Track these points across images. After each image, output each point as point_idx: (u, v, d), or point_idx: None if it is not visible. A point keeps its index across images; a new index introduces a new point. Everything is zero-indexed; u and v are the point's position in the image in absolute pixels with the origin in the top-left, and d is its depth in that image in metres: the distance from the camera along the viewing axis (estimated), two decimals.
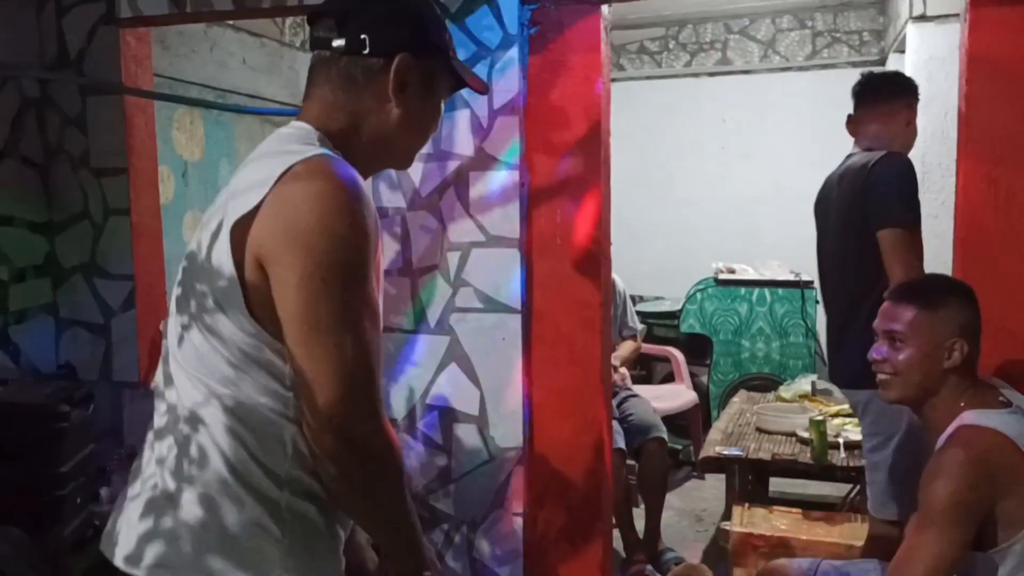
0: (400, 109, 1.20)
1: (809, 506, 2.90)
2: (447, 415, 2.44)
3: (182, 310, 1.16)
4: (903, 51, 3.98)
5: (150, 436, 1.21)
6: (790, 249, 4.93)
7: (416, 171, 2.40)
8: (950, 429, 1.57)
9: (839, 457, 2.88)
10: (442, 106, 1.30)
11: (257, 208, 1.07)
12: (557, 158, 2.37)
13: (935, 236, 2.70)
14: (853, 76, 4.94)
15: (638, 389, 3.82)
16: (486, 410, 2.40)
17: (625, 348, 3.68)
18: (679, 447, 4.27)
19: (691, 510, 3.80)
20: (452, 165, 2.38)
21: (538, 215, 2.39)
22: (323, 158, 1.10)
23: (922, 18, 3.67)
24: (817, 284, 4.35)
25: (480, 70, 2.32)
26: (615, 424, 3.15)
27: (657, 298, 5.23)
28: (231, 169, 3.83)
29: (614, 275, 3.70)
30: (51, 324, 2.80)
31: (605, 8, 2.33)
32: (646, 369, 4.76)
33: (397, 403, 2.47)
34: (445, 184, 2.39)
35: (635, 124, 5.41)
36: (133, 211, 2.74)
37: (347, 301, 1.07)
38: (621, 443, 3.12)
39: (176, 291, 1.20)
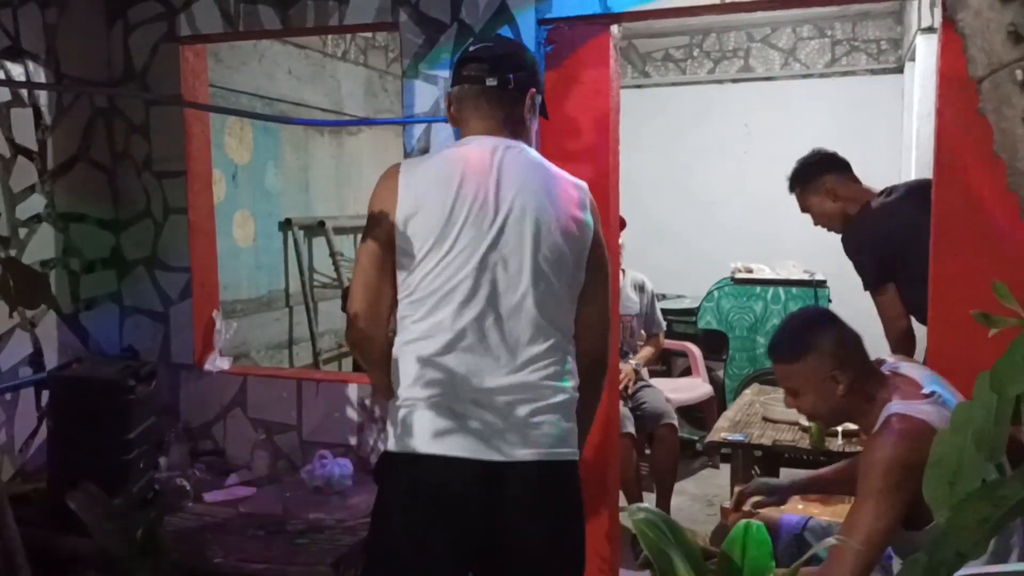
0: (528, 123, 1.84)
1: None
2: None
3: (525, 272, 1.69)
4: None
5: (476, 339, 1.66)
6: (807, 250, 5.09)
7: None
8: (880, 419, 1.76)
9: (837, 444, 3.06)
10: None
11: (590, 220, 1.77)
12: (571, 164, 2.58)
13: None
14: (871, 83, 5.17)
15: (657, 382, 4.05)
16: None
17: (645, 352, 3.92)
18: (695, 438, 4.47)
19: (703, 495, 4.00)
20: None
21: None
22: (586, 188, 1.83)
23: (930, 30, 3.82)
24: (830, 284, 4.56)
25: None
26: (626, 411, 3.37)
27: (679, 296, 5.43)
28: (277, 172, 4.13)
29: (643, 276, 3.95)
30: (116, 311, 3.10)
31: (614, 28, 2.54)
32: (665, 364, 4.96)
33: None
34: None
35: (661, 129, 5.62)
36: (190, 210, 3.01)
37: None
38: (631, 428, 3.34)
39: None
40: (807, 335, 1.86)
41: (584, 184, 1.81)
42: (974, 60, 0.71)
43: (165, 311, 3.06)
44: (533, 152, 1.80)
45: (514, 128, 1.79)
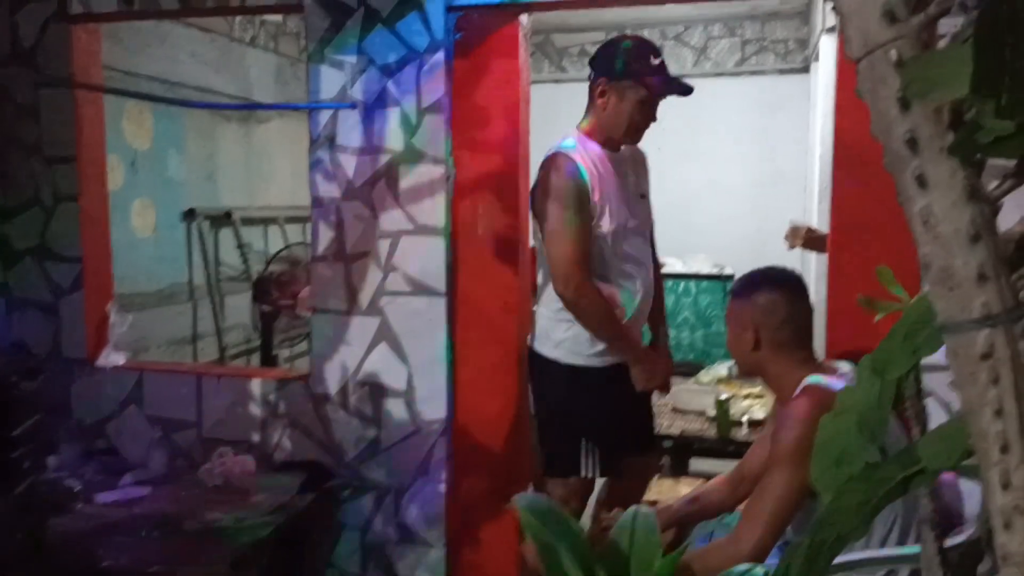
0: (606, 109, 2.44)
1: None
2: (377, 390, 2.63)
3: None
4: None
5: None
6: (720, 244, 5.22)
7: (350, 163, 2.59)
8: (798, 390, 1.80)
9: (742, 433, 3.13)
10: (636, 117, 2.46)
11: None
12: (480, 154, 2.56)
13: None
14: (780, 82, 5.30)
15: None
16: (413, 386, 2.59)
17: None
18: None
19: None
20: (383, 158, 2.56)
21: (462, 206, 2.58)
22: (555, 154, 2.43)
23: (833, 30, 3.93)
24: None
25: (409, 72, 2.51)
26: None
27: None
28: (180, 159, 3.98)
29: None
30: (2, 304, 2.92)
31: (523, 17, 2.52)
32: None
33: (331, 380, 2.65)
34: (377, 176, 2.57)
35: (577, 124, 5.63)
36: (82, 197, 2.86)
37: (559, 220, 2.37)
38: None
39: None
40: (754, 283, 1.92)
41: (551, 153, 2.44)
42: (851, 41, 0.71)
43: (55, 303, 2.90)
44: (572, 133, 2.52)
45: (594, 110, 2.49)
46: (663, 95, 2.46)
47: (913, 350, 0.82)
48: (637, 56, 2.40)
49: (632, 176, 2.63)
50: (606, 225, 2.45)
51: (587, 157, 2.46)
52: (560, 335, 2.53)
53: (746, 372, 1.98)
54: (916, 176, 0.69)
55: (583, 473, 2.53)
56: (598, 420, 2.52)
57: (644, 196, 2.68)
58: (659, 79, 2.42)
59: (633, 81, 2.37)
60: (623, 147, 2.60)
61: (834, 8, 0.72)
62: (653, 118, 2.51)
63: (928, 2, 0.68)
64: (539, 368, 2.59)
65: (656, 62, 2.42)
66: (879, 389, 0.91)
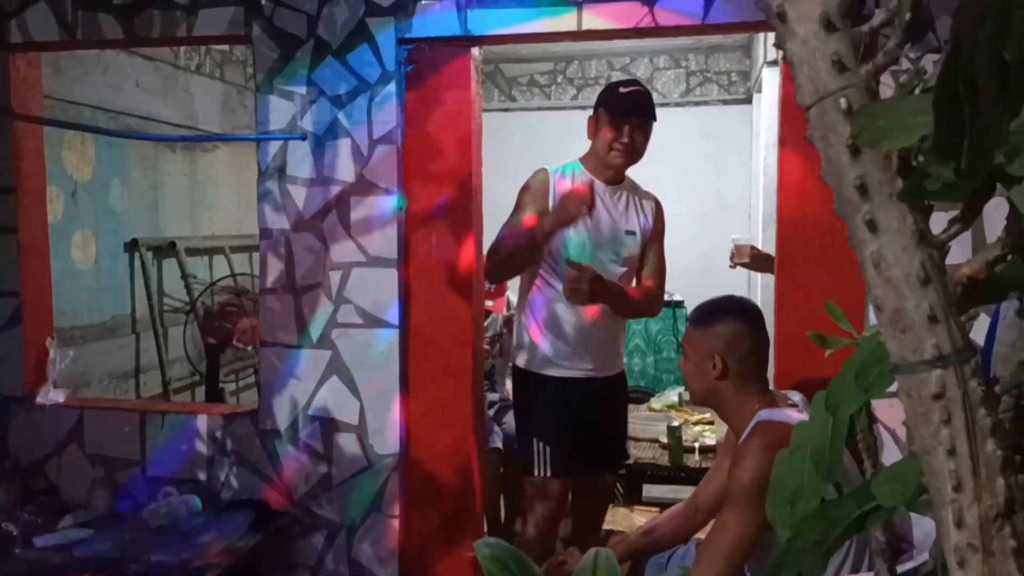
0: (591, 140, 2.74)
1: None
2: (328, 425, 2.58)
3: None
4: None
5: None
6: (668, 271, 5.27)
7: (300, 195, 2.56)
8: (750, 426, 1.82)
9: (694, 460, 3.15)
10: (608, 137, 2.66)
11: None
12: (432, 185, 2.56)
13: None
14: (723, 113, 5.41)
15: None
16: (365, 420, 2.56)
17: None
18: None
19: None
20: (334, 190, 2.55)
21: (415, 238, 2.57)
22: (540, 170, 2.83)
23: (774, 63, 4.03)
24: (688, 305, 4.71)
25: (360, 103, 2.51)
26: (495, 427, 3.36)
27: None
28: (123, 189, 3.89)
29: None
30: None
31: (475, 50, 2.54)
32: None
33: (281, 414, 2.60)
34: (328, 207, 2.55)
35: (527, 152, 5.65)
36: (20, 230, 2.77)
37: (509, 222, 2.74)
38: (499, 443, 3.32)
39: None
40: (717, 312, 1.92)
41: None
42: (802, 88, 0.72)
43: None
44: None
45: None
46: (621, 114, 2.64)
47: (865, 388, 0.83)
48: (610, 88, 2.74)
49: (630, 213, 2.79)
50: (566, 236, 2.69)
51: (571, 174, 2.75)
52: (524, 344, 2.78)
53: (699, 401, 1.98)
54: (867, 221, 0.70)
55: (536, 472, 2.69)
56: (549, 423, 2.69)
57: (630, 232, 2.77)
58: (616, 101, 2.67)
59: (602, 109, 2.67)
60: (626, 181, 2.81)
61: (784, 57, 0.74)
62: (630, 140, 2.65)
63: (875, 52, 0.70)
64: (513, 378, 2.88)
65: (624, 91, 2.69)
66: (832, 426, 0.93)
